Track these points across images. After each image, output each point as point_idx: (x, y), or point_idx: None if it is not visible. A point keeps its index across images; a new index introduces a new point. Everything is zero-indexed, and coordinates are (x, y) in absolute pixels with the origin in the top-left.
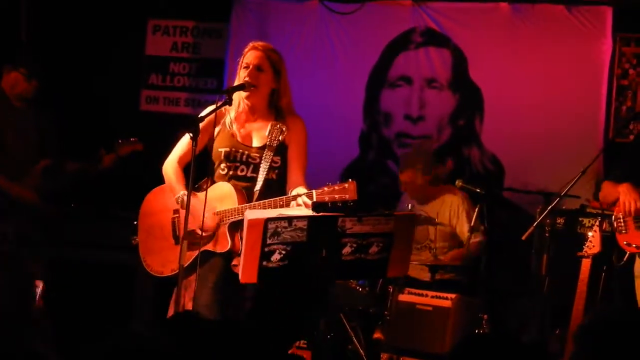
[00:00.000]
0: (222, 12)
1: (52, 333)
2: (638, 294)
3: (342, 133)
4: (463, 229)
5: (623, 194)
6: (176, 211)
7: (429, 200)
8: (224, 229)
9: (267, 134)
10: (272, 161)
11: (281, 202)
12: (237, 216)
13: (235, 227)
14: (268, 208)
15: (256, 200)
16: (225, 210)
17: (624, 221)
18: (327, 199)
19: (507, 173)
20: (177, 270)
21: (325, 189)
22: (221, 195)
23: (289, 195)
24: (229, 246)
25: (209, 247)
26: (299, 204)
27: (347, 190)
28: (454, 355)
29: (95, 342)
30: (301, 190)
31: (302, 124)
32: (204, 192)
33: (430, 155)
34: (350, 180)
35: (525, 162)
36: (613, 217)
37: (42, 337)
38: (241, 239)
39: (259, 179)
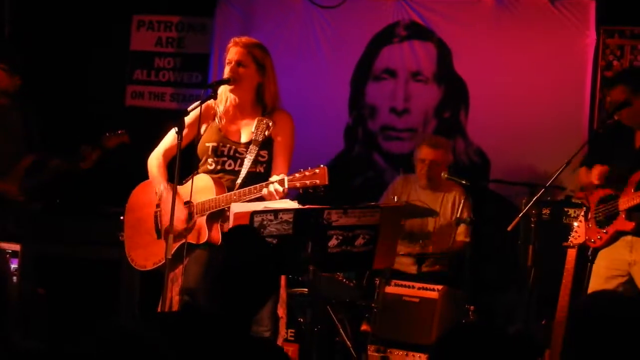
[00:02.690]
0: (207, 7)
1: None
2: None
3: (327, 127)
4: (460, 229)
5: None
6: (158, 205)
7: (437, 190)
8: (202, 221)
9: (253, 129)
10: (259, 155)
11: (255, 190)
12: (214, 207)
13: (215, 218)
14: (242, 197)
15: None
16: (201, 202)
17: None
18: (298, 184)
19: (493, 165)
20: (160, 263)
21: (297, 175)
22: (200, 187)
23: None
24: (206, 237)
25: (191, 239)
26: (271, 190)
27: (317, 175)
28: (439, 345)
29: (82, 336)
30: (275, 178)
31: (289, 118)
32: (183, 186)
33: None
34: (321, 165)
35: (511, 153)
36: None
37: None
38: (222, 230)
39: (241, 173)
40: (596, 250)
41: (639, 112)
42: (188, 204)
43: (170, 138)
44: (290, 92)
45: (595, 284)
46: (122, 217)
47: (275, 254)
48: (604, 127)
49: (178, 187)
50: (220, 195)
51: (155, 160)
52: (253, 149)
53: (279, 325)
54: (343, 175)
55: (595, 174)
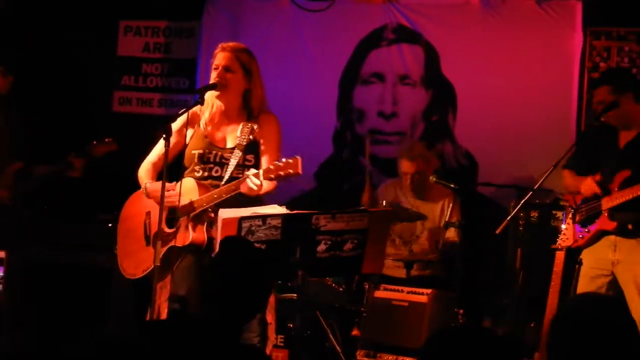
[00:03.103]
0: (194, 12)
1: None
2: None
3: (315, 131)
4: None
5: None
6: (148, 213)
7: (426, 197)
8: (186, 222)
9: (238, 133)
10: (245, 159)
11: (233, 187)
12: (196, 208)
13: (199, 219)
14: (222, 194)
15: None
16: (184, 204)
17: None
18: (272, 175)
19: (481, 168)
20: (149, 270)
21: (271, 166)
22: (185, 190)
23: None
24: (190, 239)
25: (176, 242)
26: (249, 185)
27: (291, 165)
28: (427, 348)
29: (72, 344)
30: (252, 171)
31: (274, 120)
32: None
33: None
34: (296, 156)
35: (499, 156)
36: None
37: None
38: (209, 233)
39: (225, 176)
40: (580, 250)
41: (625, 112)
42: (174, 209)
43: (159, 147)
44: (278, 96)
45: (582, 284)
46: (110, 225)
47: (269, 261)
48: (589, 128)
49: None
50: (202, 196)
51: (144, 171)
52: (237, 153)
53: (267, 331)
54: (332, 179)
55: (587, 188)
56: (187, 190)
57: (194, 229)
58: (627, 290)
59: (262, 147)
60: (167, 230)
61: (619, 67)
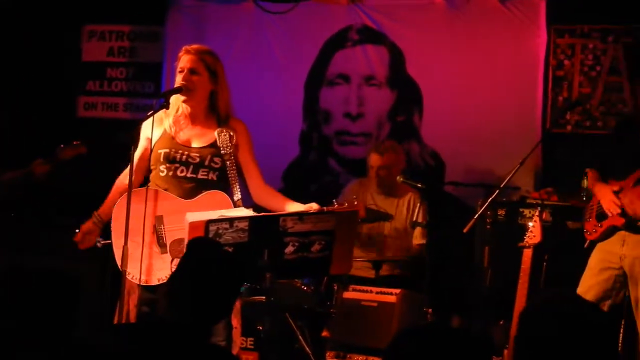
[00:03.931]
0: (158, 16)
1: None
2: (581, 282)
3: (282, 133)
4: (416, 232)
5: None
6: (159, 218)
7: (392, 194)
8: None
9: (217, 142)
10: (212, 161)
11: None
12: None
13: None
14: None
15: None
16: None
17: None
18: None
19: (448, 167)
20: (165, 281)
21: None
22: (213, 202)
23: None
24: None
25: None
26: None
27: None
28: (392, 348)
29: (39, 351)
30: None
31: (245, 126)
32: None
33: None
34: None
35: (465, 155)
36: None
37: None
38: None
39: (194, 176)
40: (593, 243)
41: None
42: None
43: (138, 152)
44: (244, 99)
45: (588, 276)
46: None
47: (237, 262)
48: (619, 123)
49: (186, 201)
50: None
51: (117, 181)
52: (208, 156)
53: (233, 335)
54: (299, 181)
55: (608, 204)
56: (219, 203)
57: None
58: (633, 286)
59: (243, 157)
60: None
61: None
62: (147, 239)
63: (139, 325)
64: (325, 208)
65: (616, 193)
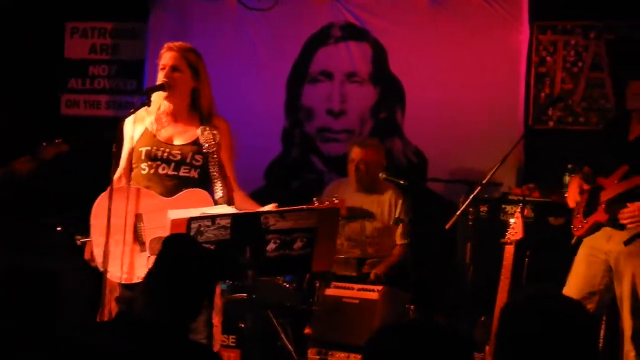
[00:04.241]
0: (140, 13)
1: None
2: (569, 278)
3: (264, 130)
4: (398, 231)
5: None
6: (139, 216)
7: (373, 191)
8: None
9: (200, 140)
10: (194, 159)
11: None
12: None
13: None
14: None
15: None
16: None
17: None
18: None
19: (430, 163)
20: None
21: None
22: (192, 200)
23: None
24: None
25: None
26: None
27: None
28: (370, 345)
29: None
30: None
31: (227, 125)
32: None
33: None
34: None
35: (448, 152)
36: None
37: None
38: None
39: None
40: (580, 239)
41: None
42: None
43: (124, 152)
44: (226, 96)
45: (576, 269)
46: (59, 228)
47: (212, 260)
48: (609, 121)
49: (166, 199)
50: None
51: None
52: (190, 154)
53: (213, 333)
54: (281, 178)
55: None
56: (200, 201)
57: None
58: (617, 282)
59: (224, 155)
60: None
61: None
62: (126, 236)
63: (118, 324)
64: (305, 206)
65: (597, 190)
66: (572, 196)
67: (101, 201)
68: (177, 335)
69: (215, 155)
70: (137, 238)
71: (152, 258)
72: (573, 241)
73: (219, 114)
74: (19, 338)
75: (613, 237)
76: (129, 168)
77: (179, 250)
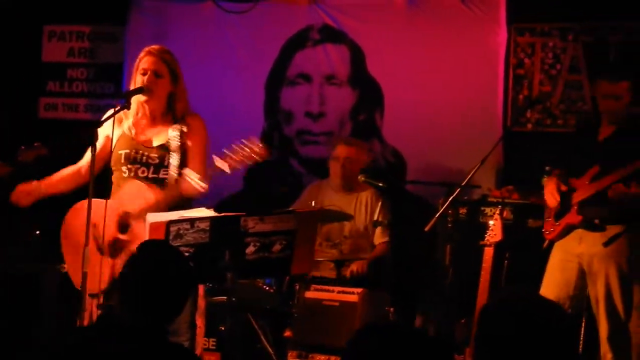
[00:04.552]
0: (119, 16)
1: None
2: (543, 282)
3: (243, 133)
4: (377, 233)
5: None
6: (94, 226)
7: (351, 191)
8: (141, 227)
9: (169, 137)
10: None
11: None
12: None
13: None
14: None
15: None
16: (139, 209)
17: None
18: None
19: (410, 166)
20: (112, 280)
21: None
22: (133, 193)
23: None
24: None
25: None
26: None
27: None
28: (350, 347)
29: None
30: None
31: (201, 121)
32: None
33: None
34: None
35: (427, 153)
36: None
37: None
38: None
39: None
40: (552, 242)
41: (624, 108)
42: (126, 214)
43: (88, 154)
44: (205, 99)
45: (550, 274)
46: (37, 232)
47: (185, 262)
48: (581, 124)
49: (109, 200)
50: (158, 197)
51: (59, 176)
52: (165, 155)
53: (196, 335)
54: (260, 181)
55: (548, 198)
56: (136, 192)
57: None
58: (591, 284)
59: (191, 150)
60: (122, 236)
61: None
62: (89, 249)
63: (98, 327)
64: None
65: (569, 192)
66: (553, 196)
67: (67, 220)
68: (156, 338)
69: (179, 153)
70: (98, 247)
71: (118, 260)
72: (545, 245)
73: (194, 112)
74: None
75: (584, 238)
76: (100, 167)
77: (151, 253)
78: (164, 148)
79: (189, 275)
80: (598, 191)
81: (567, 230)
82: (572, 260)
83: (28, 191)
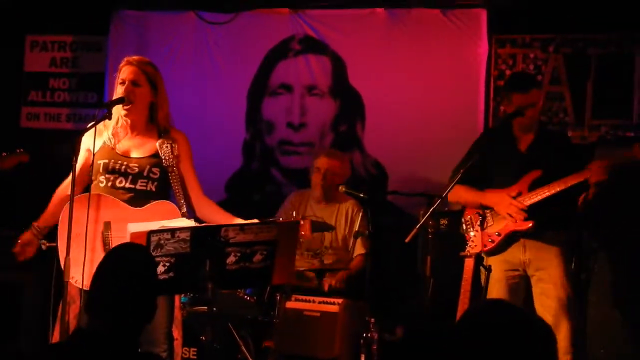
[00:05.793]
0: (101, 26)
1: None
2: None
3: (225, 143)
4: (357, 244)
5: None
6: (107, 224)
7: (331, 201)
8: None
9: (158, 153)
10: (151, 172)
11: None
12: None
13: None
14: None
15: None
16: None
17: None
18: None
19: (391, 177)
20: None
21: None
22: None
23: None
24: None
25: None
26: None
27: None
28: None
29: None
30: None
31: (185, 136)
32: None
33: None
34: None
35: (408, 164)
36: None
37: None
38: None
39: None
40: (490, 254)
41: (537, 115)
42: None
43: (79, 164)
44: (187, 109)
45: (496, 288)
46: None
47: (154, 266)
48: (484, 136)
49: (135, 210)
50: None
51: (57, 192)
52: (147, 167)
53: (174, 346)
54: (242, 191)
55: (505, 207)
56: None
57: None
58: (541, 288)
59: (184, 166)
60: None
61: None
62: (92, 244)
63: (72, 340)
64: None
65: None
66: (512, 205)
67: (68, 209)
68: (127, 348)
69: (175, 169)
70: (104, 246)
71: None
72: (472, 257)
73: (177, 127)
74: None
75: (528, 246)
76: (85, 181)
77: (116, 257)
78: (150, 159)
79: (153, 276)
80: (551, 195)
81: (510, 238)
82: (515, 269)
83: (28, 242)
